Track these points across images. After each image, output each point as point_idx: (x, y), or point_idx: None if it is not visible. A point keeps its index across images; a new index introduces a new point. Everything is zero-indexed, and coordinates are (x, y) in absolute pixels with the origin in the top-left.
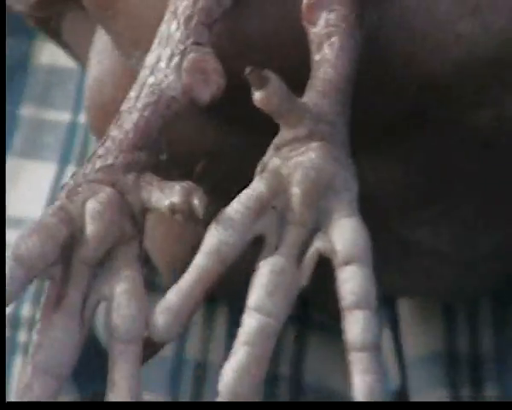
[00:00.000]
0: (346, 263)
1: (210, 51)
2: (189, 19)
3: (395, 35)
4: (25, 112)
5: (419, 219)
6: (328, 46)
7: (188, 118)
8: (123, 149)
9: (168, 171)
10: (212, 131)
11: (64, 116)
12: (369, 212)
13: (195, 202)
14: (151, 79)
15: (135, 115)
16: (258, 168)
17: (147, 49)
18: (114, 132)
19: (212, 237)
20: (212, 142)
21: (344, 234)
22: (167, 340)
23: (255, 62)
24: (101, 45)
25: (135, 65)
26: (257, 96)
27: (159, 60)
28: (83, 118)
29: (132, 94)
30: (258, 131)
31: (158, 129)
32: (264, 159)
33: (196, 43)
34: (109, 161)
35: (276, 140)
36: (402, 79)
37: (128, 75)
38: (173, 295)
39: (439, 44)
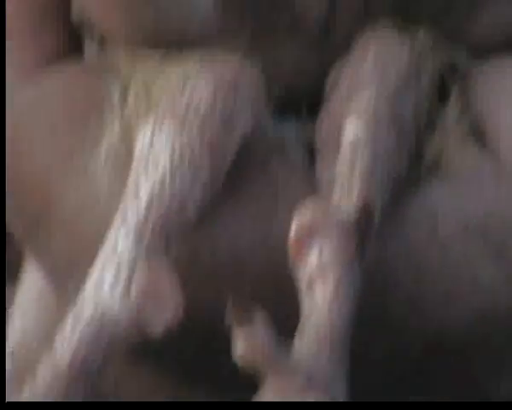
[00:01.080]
0: None
1: (165, 270)
2: (139, 231)
3: (398, 276)
4: None
5: None
6: (320, 284)
7: (135, 377)
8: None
9: None
10: (167, 390)
11: None
12: None
13: None
14: (89, 309)
15: (68, 354)
16: None
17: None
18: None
19: None
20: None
21: None
22: None
23: (221, 293)
24: (26, 302)
25: (71, 300)
26: (238, 346)
27: (101, 283)
28: None
29: (67, 326)
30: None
31: (97, 369)
32: None
33: (148, 261)
34: None
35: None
36: (405, 334)
37: None
38: None
39: (453, 292)
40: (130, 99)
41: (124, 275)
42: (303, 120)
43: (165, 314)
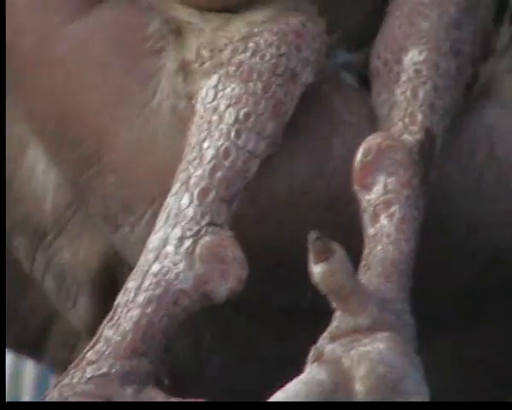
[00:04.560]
0: None
1: (230, 235)
2: (204, 192)
3: (457, 197)
4: None
5: None
6: (386, 217)
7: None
8: (120, 355)
9: None
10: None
11: None
12: None
13: None
14: (156, 267)
15: (135, 312)
16: (312, 355)
17: (143, 211)
18: (109, 332)
19: None
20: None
21: None
22: None
23: (280, 225)
24: None
25: (125, 237)
26: (318, 269)
27: (166, 242)
28: None
29: (131, 284)
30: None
31: (162, 330)
32: (319, 345)
33: (213, 224)
34: (104, 370)
35: (333, 328)
36: (465, 252)
37: None
38: None
39: None
40: (191, 45)
41: (189, 241)
42: (352, 52)
43: (230, 281)
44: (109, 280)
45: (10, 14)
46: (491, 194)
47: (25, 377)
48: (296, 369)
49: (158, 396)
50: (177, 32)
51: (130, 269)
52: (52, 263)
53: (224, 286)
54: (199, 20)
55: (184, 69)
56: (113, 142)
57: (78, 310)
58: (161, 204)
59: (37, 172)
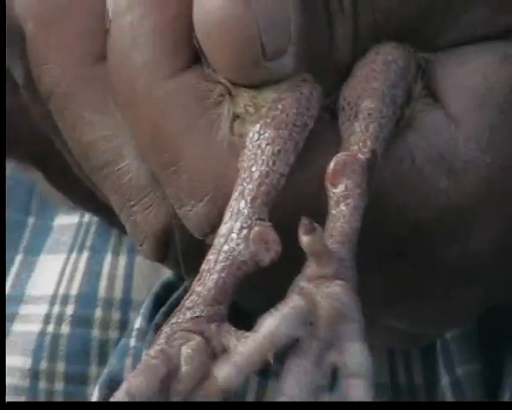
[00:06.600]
0: (354, 377)
1: (270, 225)
2: (254, 199)
3: (388, 192)
4: None
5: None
6: (344, 205)
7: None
8: (207, 304)
9: None
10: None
11: None
12: None
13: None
14: (226, 247)
15: (215, 276)
16: (295, 288)
17: (201, 199)
18: (198, 288)
19: (269, 325)
20: None
21: (354, 355)
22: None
23: (284, 212)
24: None
25: (186, 213)
26: (305, 240)
27: (231, 231)
28: None
29: (211, 257)
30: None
31: (232, 286)
32: (300, 283)
33: (260, 219)
34: (197, 314)
35: (308, 273)
36: (395, 224)
37: None
38: (237, 356)
39: (426, 197)
40: (240, 103)
41: (245, 231)
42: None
43: (271, 253)
44: (167, 239)
45: (128, 68)
46: (411, 190)
47: None
48: None
49: (230, 329)
50: (230, 93)
51: (184, 234)
52: (129, 219)
53: (268, 257)
54: (242, 90)
55: (238, 118)
56: (187, 155)
57: (142, 250)
58: (214, 195)
59: (133, 167)
